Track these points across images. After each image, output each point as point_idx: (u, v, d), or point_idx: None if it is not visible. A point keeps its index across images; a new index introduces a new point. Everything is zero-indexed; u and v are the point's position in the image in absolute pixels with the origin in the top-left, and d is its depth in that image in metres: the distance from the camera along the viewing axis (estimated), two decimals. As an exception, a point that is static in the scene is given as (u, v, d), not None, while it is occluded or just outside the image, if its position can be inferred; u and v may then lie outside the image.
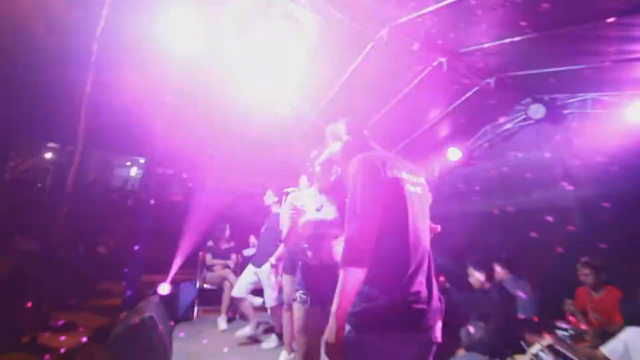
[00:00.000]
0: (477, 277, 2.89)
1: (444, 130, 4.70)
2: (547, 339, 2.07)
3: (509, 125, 4.48)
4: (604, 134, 3.67)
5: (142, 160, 12.74)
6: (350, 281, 1.24)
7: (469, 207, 5.01)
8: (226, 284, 4.30)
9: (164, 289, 3.82)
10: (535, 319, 3.34)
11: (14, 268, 4.02)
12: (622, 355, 1.99)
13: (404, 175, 1.37)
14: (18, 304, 3.78)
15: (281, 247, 3.40)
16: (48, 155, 12.51)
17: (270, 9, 2.64)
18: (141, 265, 4.71)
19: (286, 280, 3.06)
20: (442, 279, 3.54)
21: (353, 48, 3.34)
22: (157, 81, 3.88)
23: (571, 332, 2.96)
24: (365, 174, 1.31)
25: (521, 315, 3.24)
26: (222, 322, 4.07)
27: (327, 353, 1.28)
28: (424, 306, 1.25)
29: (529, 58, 3.31)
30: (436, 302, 1.32)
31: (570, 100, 3.90)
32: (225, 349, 3.40)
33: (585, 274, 3.20)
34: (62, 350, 3.79)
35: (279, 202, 3.57)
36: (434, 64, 3.52)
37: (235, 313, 4.42)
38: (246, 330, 3.73)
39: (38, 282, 4.41)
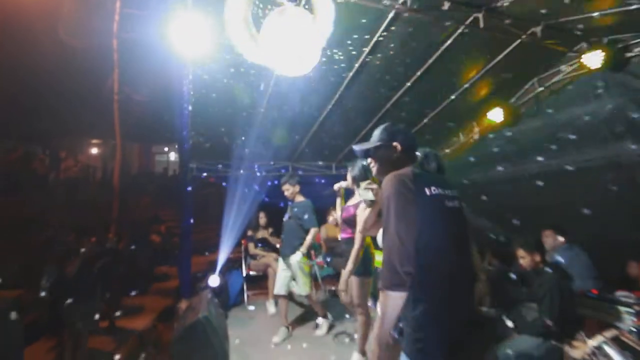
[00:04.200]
0: (530, 258, 2.72)
1: (484, 90, 4.28)
2: (612, 331, 1.91)
3: (559, 77, 3.95)
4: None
5: (177, 146, 13.27)
6: (392, 304, 1.26)
7: (518, 170, 4.65)
8: (270, 270, 4.48)
9: (214, 280, 4.05)
10: (595, 292, 3.14)
11: (82, 265, 4.44)
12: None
13: (442, 191, 1.32)
14: (91, 295, 4.22)
15: (311, 236, 3.59)
16: (94, 151, 13.38)
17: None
18: (190, 248, 5.00)
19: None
20: (489, 257, 3.41)
21: (373, 20, 3.03)
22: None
23: (636, 306, 2.74)
24: (399, 194, 1.27)
25: (577, 289, 3.06)
26: (270, 307, 4.30)
27: None
28: (470, 325, 1.28)
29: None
30: (478, 316, 1.34)
31: (635, 41, 3.31)
32: (276, 338, 3.56)
33: (655, 241, 2.90)
34: (136, 330, 4.28)
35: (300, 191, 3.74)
36: (468, 21, 3.11)
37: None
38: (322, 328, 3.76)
39: (106, 275, 4.89)
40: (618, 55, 3.33)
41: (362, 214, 2.51)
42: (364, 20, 2.99)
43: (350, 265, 2.60)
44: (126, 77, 7.15)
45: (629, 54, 3.37)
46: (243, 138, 4.65)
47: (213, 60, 3.10)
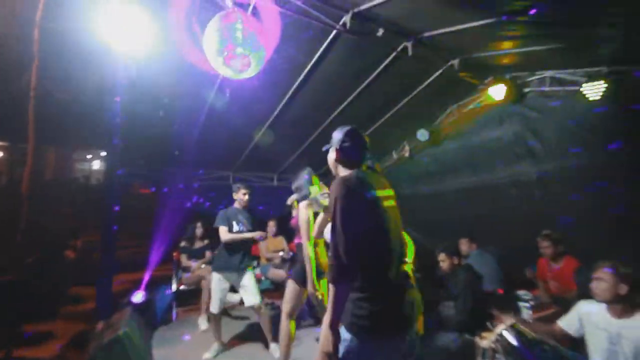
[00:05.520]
0: (449, 261, 3.03)
1: (412, 112, 4.74)
2: (510, 320, 2.21)
3: (472, 105, 4.57)
4: (561, 110, 3.83)
5: (103, 153, 12.07)
6: (341, 295, 1.38)
7: (439, 185, 5.17)
8: (204, 283, 4.25)
9: (138, 297, 3.73)
10: (500, 291, 3.59)
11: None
12: (578, 327, 2.17)
13: (380, 193, 1.50)
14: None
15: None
16: (-3, 155, 11.51)
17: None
18: (113, 265, 4.55)
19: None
20: (415, 262, 3.68)
21: (316, 37, 3.23)
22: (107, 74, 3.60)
23: (532, 302, 3.20)
24: (343, 197, 1.42)
25: (487, 289, 3.46)
26: (202, 322, 4.06)
27: None
28: (406, 307, 1.46)
29: (491, 40, 3.33)
30: (412, 299, 1.50)
31: (529, 79, 4.00)
32: (207, 354, 3.38)
33: (545, 246, 3.43)
34: (40, 361, 3.69)
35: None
36: (399, 48, 3.48)
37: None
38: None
39: (5, 295, 4.22)
40: (516, 89, 3.98)
41: (304, 219, 2.64)
42: (308, 36, 3.16)
43: (307, 267, 2.65)
44: (48, 71, 6.37)
45: (525, 89, 4.06)
46: (180, 146, 4.47)
47: (151, 59, 2.99)
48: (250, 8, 2.68)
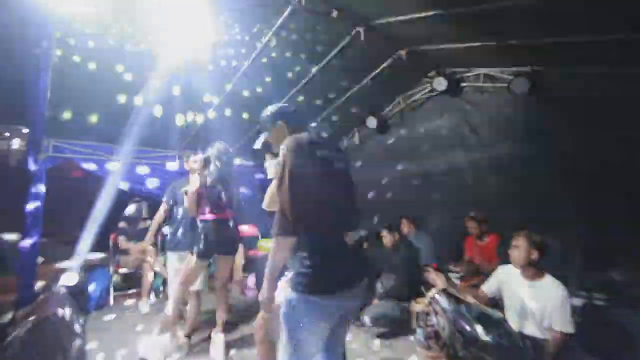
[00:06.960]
0: (390, 237, 3.25)
1: (362, 100, 4.90)
2: (442, 283, 2.44)
3: (417, 96, 4.87)
4: (492, 104, 4.24)
5: (25, 130, 10.66)
6: (280, 248, 1.42)
7: (384, 171, 5.43)
8: (145, 266, 4.04)
9: (69, 278, 3.43)
10: (434, 266, 3.94)
11: None
12: (497, 290, 2.48)
13: (331, 154, 1.52)
14: None
15: None
16: None
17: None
18: (37, 252, 4.12)
19: None
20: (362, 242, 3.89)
21: (271, 14, 3.19)
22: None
23: (461, 273, 3.58)
24: (292, 155, 1.42)
25: (423, 264, 3.78)
26: (144, 306, 3.88)
27: (264, 312, 1.51)
28: (351, 268, 1.49)
29: (435, 33, 3.56)
30: (360, 262, 1.54)
31: (466, 75, 4.37)
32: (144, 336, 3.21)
33: (471, 226, 3.84)
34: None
35: None
36: (352, 33, 3.56)
37: (158, 294, 4.22)
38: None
39: None
40: (454, 83, 4.32)
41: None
42: (264, 8, 3.10)
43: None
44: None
45: (462, 84, 4.42)
46: (121, 120, 4.13)
47: (89, 23, 2.72)
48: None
